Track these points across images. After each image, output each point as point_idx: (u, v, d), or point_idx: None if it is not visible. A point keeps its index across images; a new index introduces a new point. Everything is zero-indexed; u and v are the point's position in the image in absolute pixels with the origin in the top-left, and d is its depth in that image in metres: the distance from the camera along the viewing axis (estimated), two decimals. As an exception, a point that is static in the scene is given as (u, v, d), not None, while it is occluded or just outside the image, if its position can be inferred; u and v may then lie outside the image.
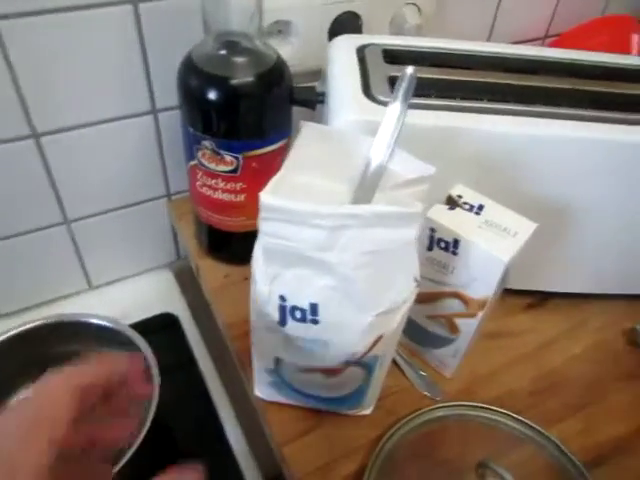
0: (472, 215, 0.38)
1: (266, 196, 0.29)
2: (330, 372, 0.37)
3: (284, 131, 0.44)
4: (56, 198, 0.51)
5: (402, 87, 0.32)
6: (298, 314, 0.33)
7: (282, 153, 0.44)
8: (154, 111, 0.51)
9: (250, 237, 0.33)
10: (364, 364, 0.37)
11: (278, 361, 0.37)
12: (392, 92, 0.41)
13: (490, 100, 0.44)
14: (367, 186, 0.34)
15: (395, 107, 0.33)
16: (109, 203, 0.54)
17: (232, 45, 0.40)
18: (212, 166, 0.43)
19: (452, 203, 0.39)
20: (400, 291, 0.33)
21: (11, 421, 0.22)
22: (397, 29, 0.57)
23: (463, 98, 0.44)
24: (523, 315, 0.52)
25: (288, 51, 0.53)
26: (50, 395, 0.23)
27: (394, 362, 0.46)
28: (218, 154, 0.42)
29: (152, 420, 0.43)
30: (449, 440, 0.41)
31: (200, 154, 0.43)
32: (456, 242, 0.37)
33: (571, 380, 0.47)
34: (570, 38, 0.70)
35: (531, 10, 0.69)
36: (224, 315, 0.48)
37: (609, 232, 0.48)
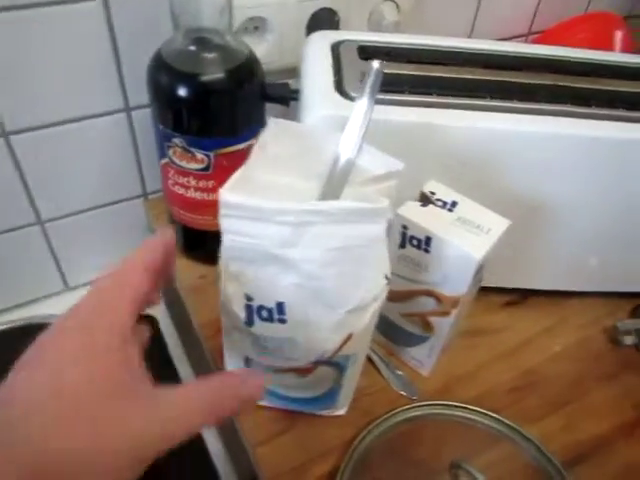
0: (445, 212, 0.38)
1: (225, 193, 0.28)
2: (300, 372, 0.36)
3: (256, 128, 0.43)
4: (28, 198, 0.50)
5: (368, 82, 0.32)
6: (265, 313, 0.33)
7: (255, 151, 0.43)
8: (127, 109, 0.50)
9: (224, 236, 0.32)
10: (335, 363, 0.36)
11: (248, 361, 0.37)
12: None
13: (467, 96, 0.43)
14: (335, 183, 0.33)
15: (362, 102, 0.32)
16: (84, 203, 0.54)
17: (202, 41, 0.40)
18: (183, 164, 0.42)
19: (425, 200, 0.39)
20: (369, 288, 0.33)
21: (92, 292, 0.25)
22: (375, 26, 0.57)
23: (440, 94, 0.43)
24: (502, 313, 0.51)
25: (264, 48, 0.52)
26: (129, 268, 0.26)
27: (370, 361, 0.45)
28: (189, 152, 0.41)
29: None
30: (425, 440, 0.41)
31: (171, 152, 0.42)
32: (428, 239, 0.37)
33: (551, 378, 0.46)
34: (553, 35, 0.69)
35: (513, 6, 0.68)
36: (199, 314, 0.47)
37: (588, 229, 0.47)
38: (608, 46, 0.67)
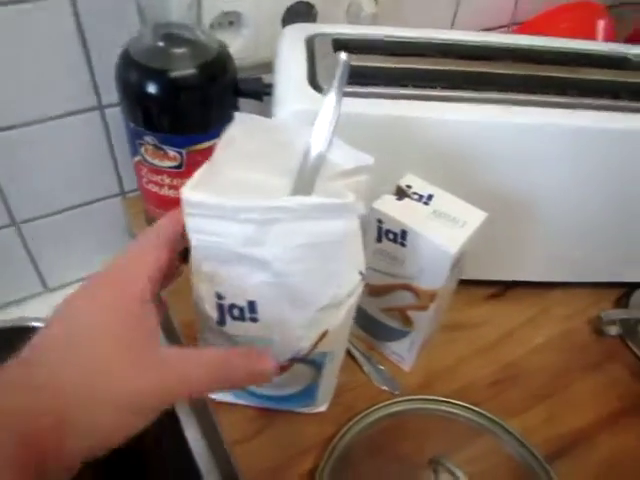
0: (420, 205, 0.37)
1: (187, 191, 0.28)
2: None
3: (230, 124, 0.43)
4: (1, 199, 0.49)
5: (336, 74, 0.31)
6: (236, 312, 0.32)
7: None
8: (100, 107, 0.49)
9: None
10: (312, 361, 0.36)
11: (223, 361, 0.36)
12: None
13: (443, 88, 0.43)
14: (306, 178, 0.33)
15: (330, 95, 0.32)
16: (60, 203, 0.53)
17: (171, 37, 0.39)
18: (156, 162, 0.42)
19: (401, 193, 0.38)
20: (342, 285, 0.32)
21: (118, 258, 0.27)
22: (353, 18, 0.56)
23: (415, 86, 0.43)
24: (485, 305, 0.51)
25: (240, 43, 0.52)
26: (153, 238, 0.29)
27: (351, 357, 0.45)
28: (161, 149, 0.41)
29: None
30: (406, 435, 0.41)
31: (143, 150, 0.42)
32: (404, 233, 0.36)
33: (534, 370, 0.46)
34: (535, 25, 0.69)
35: (495, -3, 0.68)
36: (179, 314, 0.47)
37: (570, 220, 0.47)
38: (591, 36, 0.66)
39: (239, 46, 0.51)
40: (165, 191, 0.43)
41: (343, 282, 0.32)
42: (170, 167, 0.42)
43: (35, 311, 0.56)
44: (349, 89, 0.41)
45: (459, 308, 0.49)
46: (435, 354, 0.46)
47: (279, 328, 0.33)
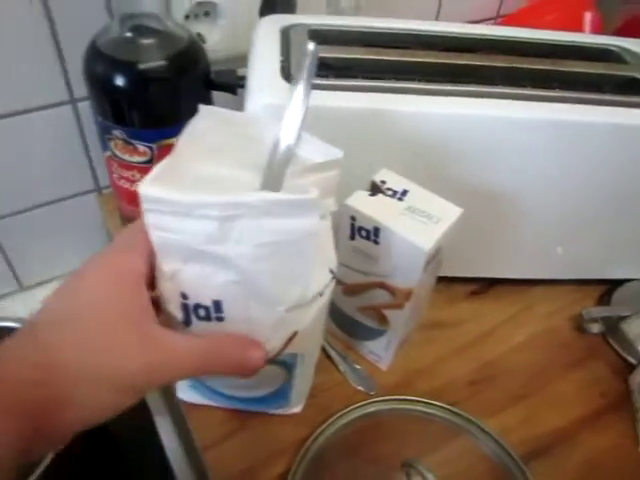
0: (394, 201, 0.36)
1: (144, 186, 0.27)
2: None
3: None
4: (-29, 195, 0.48)
5: (304, 65, 0.30)
6: (202, 312, 0.31)
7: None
8: (72, 101, 0.48)
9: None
10: (282, 362, 0.35)
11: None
12: (312, 73, 0.40)
13: (422, 80, 0.42)
14: (275, 173, 0.32)
15: (299, 87, 0.31)
16: (33, 199, 0.52)
17: (139, 28, 0.38)
18: (126, 157, 0.41)
19: (375, 189, 0.37)
20: (311, 284, 0.31)
21: (97, 272, 0.27)
22: (334, 9, 0.55)
23: (394, 79, 0.42)
24: (466, 303, 0.50)
25: (216, 35, 0.50)
26: (125, 243, 0.28)
27: (328, 356, 0.44)
28: (130, 144, 0.40)
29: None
30: (382, 436, 0.40)
31: (112, 144, 0.40)
32: (376, 230, 0.35)
33: (514, 369, 0.45)
34: (521, 16, 0.68)
35: (481, -12, 0.67)
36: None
37: (552, 216, 0.46)
38: (578, 28, 0.65)
39: (215, 38, 0.50)
40: (136, 187, 0.42)
41: (312, 281, 0.31)
42: (140, 162, 0.41)
43: (10, 310, 0.55)
44: (323, 81, 0.40)
45: (439, 306, 0.49)
46: (414, 353, 0.45)
47: (245, 328, 0.31)
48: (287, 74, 0.39)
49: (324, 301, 0.34)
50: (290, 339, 0.33)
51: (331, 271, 0.33)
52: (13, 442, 0.21)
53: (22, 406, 0.22)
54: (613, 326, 0.47)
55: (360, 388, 0.42)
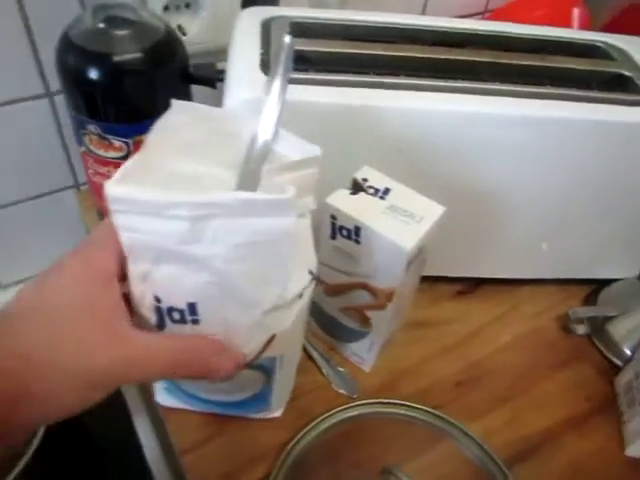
0: (376, 200, 0.35)
1: (111, 185, 0.25)
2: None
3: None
4: (-57, 192, 0.46)
5: (280, 58, 0.29)
6: (176, 315, 0.30)
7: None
8: (49, 94, 0.46)
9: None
10: (260, 366, 0.34)
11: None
12: (293, 68, 0.38)
13: (407, 75, 0.41)
14: (251, 171, 0.31)
15: (275, 82, 0.29)
16: (9, 196, 0.50)
17: (113, 18, 0.37)
18: (101, 152, 0.39)
19: (356, 187, 0.36)
20: (289, 286, 0.30)
21: (69, 269, 0.26)
22: (318, 2, 0.54)
23: (377, 73, 0.41)
24: (452, 303, 0.49)
25: (198, 27, 0.49)
26: (99, 240, 0.27)
27: (310, 358, 0.43)
28: (105, 139, 0.38)
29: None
30: (364, 441, 0.39)
31: (87, 140, 0.39)
32: (357, 230, 0.34)
33: (499, 370, 0.45)
34: (509, 11, 0.67)
35: (469, -17, 0.66)
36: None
37: (538, 214, 0.45)
38: (566, 23, 0.64)
39: (196, 30, 0.49)
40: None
41: (290, 283, 0.30)
42: (116, 158, 0.39)
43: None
44: (304, 76, 0.39)
45: (425, 306, 0.48)
46: (398, 354, 0.44)
47: (222, 332, 0.30)
48: (267, 68, 0.38)
49: (304, 303, 0.33)
50: (268, 342, 0.32)
51: (310, 272, 0.32)
52: None
53: None
54: (599, 327, 0.46)
55: (342, 391, 0.41)
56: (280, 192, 0.26)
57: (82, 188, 0.54)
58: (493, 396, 0.43)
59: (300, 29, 0.43)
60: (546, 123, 0.40)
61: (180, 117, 0.30)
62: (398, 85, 0.39)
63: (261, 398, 0.37)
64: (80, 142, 0.40)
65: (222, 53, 0.47)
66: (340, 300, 0.40)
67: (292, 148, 0.30)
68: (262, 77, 0.37)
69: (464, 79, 0.41)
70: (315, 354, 0.43)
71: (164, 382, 0.36)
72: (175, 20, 0.48)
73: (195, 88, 0.43)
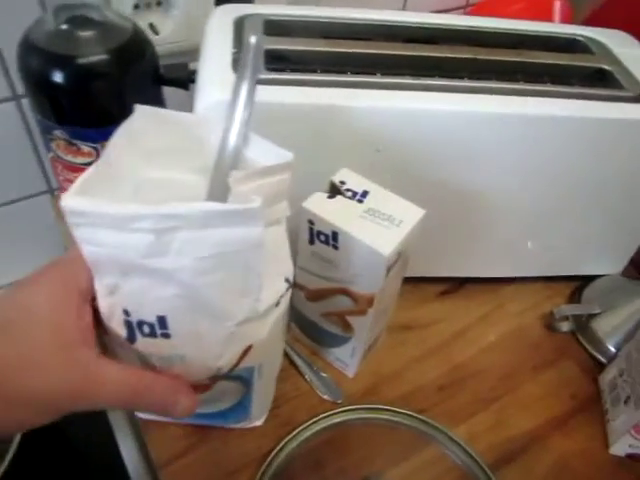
0: (354, 203, 0.34)
1: (67, 198, 0.24)
2: (196, 388, 0.32)
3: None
4: None
5: (246, 60, 0.28)
6: (146, 329, 0.29)
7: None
8: (15, 97, 0.45)
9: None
10: (238, 377, 0.33)
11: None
12: (266, 68, 0.37)
13: (385, 74, 0.40)
14: (221, 178, 0.29)
15: (243, 84, 0.28)
16: (-21, 203, 0.49)
17: (76, 19, 0.35)
18: (69, 158, 0.38)
19: (334, 190, 0.35)
20: (263, 296, 0.29)
21: (44, 286, 0.26)
22: (295, -2, 0.52)
23: (354, 72, 0.40)
24: (436, 303, 0.49)
25: (170, 25, 0.48)
26: (77, 258, 0.26)
27: (292, 364, 0.42)
28: (73, 145, 0.37)
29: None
30: (348, 448, 0.38)
31: (54, 145, 0.38)
32: (335, 235, 0.33)
33: (484, 371, 0.44)
34: (491, 5, 0.66)
35: (450, -23, 0.65)
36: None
37: (519, 212, 0.45)
38: (547, 16, 0.64)
39: (169, 29, 0.47)
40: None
41: (264, 293, 0.29)
42: (86, 164, 0.38)
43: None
44: (279, 76, 0.38)
45: (409, 307, 0.47)
46: (382, 357, 0.44)
47: (195, 345, 0.29)
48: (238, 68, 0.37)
49: (281, 311, 0.32)
50: (245, 353, 0.31)
51: (287, 280, 0.31)
52: None
53: None
54: (583, 324, 0.46)
55: (326, 397, 0.40)
56: (247, 201, 0.25)
57: (57, 194, 0.52)
58: (477, 398, 0.42)
59: (274, 27, 0.41)
60: (527, 121, 0.39)
61: (144, 123, 0.29)
62: (375, 84, 0.38)
63: (241, 408, 0.36)
64: (48, 148, 0.39)
65: (196, 53, 0.46)
66: (321, 305, 0.39)
67: (263, 153, 0.29)
68: (234, 77, 0.36)
69: (443, 77, 0.40)
70: (298, 360, 0.42)
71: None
72: (146, 19, 0.46)
73: (170, 90, 0.42)
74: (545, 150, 0.41)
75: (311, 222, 0.34)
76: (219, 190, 0.29)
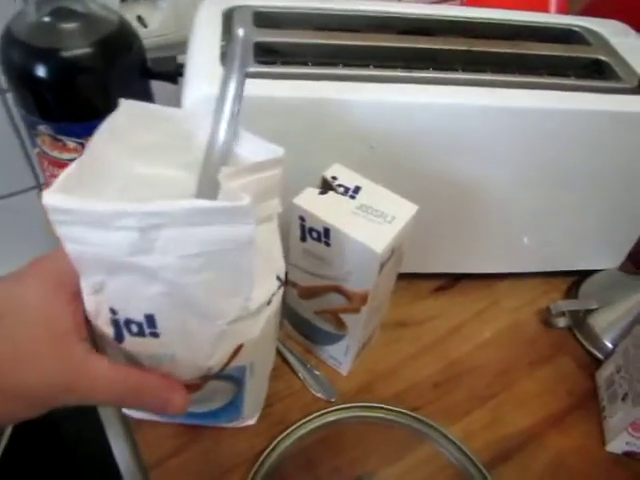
0: (346, 199, 0.33)
1: (49, 196, 0.23)
2: (188, 388, 0.32)
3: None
4: None
5: (234, 54, 0.27)
6: (134, 328, 0.28)
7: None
8: (0, 91, 0.43)
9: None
10: (228, 376, 0.32)
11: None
12: (255, 61, 0.36)
13: (377, 66, 0.39)
14: (210, 175, 0.29)
15: (231, 78, 0.27)
16: (-36, 200, 0.48)
17: (59, 11, 0.34)
18: (55, 154, 0.37)
19: (325, 186, 0.34)
20: (254, 295, 0.29)
21: (34, 280, 0.26)
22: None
23: (346, 65, 0.39)
24: (431, 300, 0.48)
25: (158, 18, 0.47)
26: (63, 256, 0.25)
27: (286, 362, 0.42)
28: (59, 140, 0.36)
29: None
30: (342, 446, 0.38)
31: (40, 140, 0.37)
32: (327, 231, 0.33)
33: (480, 368, 0.44)
34: (487, -4, 0.65)
35: (446, -34, 0.64)
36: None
37: (515, 207, 0.44)
38: (543, 7, 0.63)
39: (157, 21, 0.46)
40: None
41: (256, 291, 0.29)
42: (72, 160, 0.37)
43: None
44: (269, 69, 0.37)
45: (404, 304, 0.47)
46: (377, 355, 0.43)
47: (183, 344, 0.29)
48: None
49: (273, 310, 0.31)
50: (236, 352, 0.30)
51: (278, 278, 0.31)
52: None
53: None
54: (580, 320, 0.46)
55: (320, 395, 0.40)
56: (236, 199, 0.25)
57: (45, 189, 0.51)
58: (473, 395, 0.42)
59: (264, 19, 0.40)
60: (522, 114, 0.38)
61: (129, 118, 0.28)
62: (368, 77, 0.37)
63: (233, 408, 0.36)
64: (33, 143, 0.38)
65: (185, 46, 0.45)
66: (314, 303, 0.38)
67: (253, 149, 0.28)
68: (223, 71, 0.35)
69: (437, 69, 0.39)
70: (291, 357, 0.42)
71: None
72: (134, 11, 0.45)
73: (158, 84, 0.41)
74: (541, 143, 0.40)
75: (302, 219, 0.33)
76: (208, 186, 0.29)
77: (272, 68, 0.36)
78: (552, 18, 0.48)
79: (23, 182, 0.50)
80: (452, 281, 0.49)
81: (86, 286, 0.27)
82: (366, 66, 0.39)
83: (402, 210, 0.33)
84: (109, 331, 0.28)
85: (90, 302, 0.28)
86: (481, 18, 0.45)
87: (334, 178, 0.35)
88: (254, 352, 0.32)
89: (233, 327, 0.29)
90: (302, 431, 0.37)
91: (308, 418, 0.38)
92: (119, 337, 0.29)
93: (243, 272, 0.27)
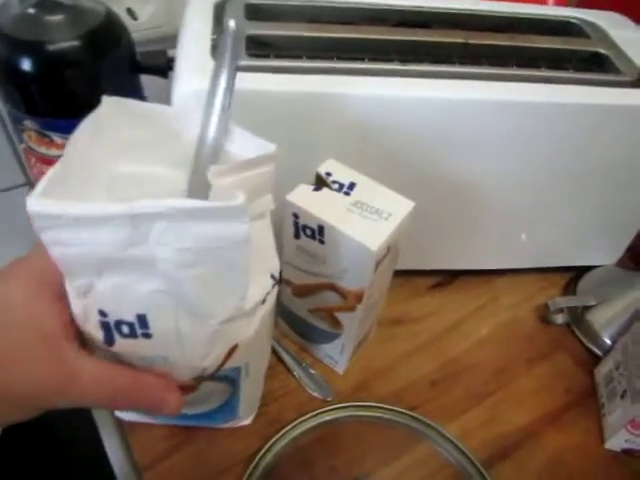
0: (340, 196, 0.33)
1: (33, 202, 0.22)
2: (182, 389, 0.31)
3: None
4: None
5: (225, 46, 0.26)
6: (126, 329, 0.27)
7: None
8: (-14, 87, 0.43)
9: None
10: (223, 377, 0.31)
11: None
12: (247, 54, 0.36)
13: (372, 60, 0.38)
14: (201, 172, 0.28)
15: (221, 72, 0.27)
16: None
17: (44, 2, 0.33)
18: (42, 150, 0.36)
19: (319, 182, 0.34)
20: (249, 294, 0.28)
21: (19, 280, 0.25)
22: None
23: (341, 58, 0.38)
24: (428, 297, 0.47)
25: (149, 10, 0.46)
26: (44, 255, 0.24)
27: (281, 361, 0.41)
28: (45, 136, 0.35)
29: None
30: (339, 446, 0.37)
31: (26, 136, 0.36)
32: (321, 229, 0.32)
33: (477, 365, 0.43)
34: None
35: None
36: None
37: (513, 203, 0.43)
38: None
39: (148, 14, 0.45)
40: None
41: (250, 290, 0.28)
42: (60, 156, 0.36)
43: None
44: (262, 62, 0.36)
45: (401, 301, 0.46)
46: (374, 353, 0.42)
47: (176, 344, 0.28)
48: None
49: (267, 309, 0.31)
50: (230, 353, 0.30)
51: (273, 276, 0.30)
52: None
53: None
54: (578, 316, 0.45)
55: (316, 394, 0.39)
56: (229, 197, 0.24)
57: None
58: (471, 393, 0.41)
59: (256, 11, 0.39)
60: (520, 108, 0.37)
61: (112, 114, 0.27)
62: (362, 70, 0.37)
63: (228, 408, 0.35)
64: (20, 139, 0.37)
65: (175, 39, 0.44)
66: (309, 301, 0.37)
67: (244, 146, 0.28)
68: (213, 64, 0.34)
69: (433, 62, 0.38)
70: (286, 356, 0.41)
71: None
72: (124, 3, 0.44)
73: (148, 78, 0.40)
74: (539, 137, 0.39)
75: (296, 216, 0.33)
76: (199, 184, 0.28)
77: (264, 61, 0.36)
78: (550, 10, 0.47)
79: (12, 180, 0.49)
80: (449, 278, 0.49)
81: (72, 289, 0.26)
82: (361, 59, 0.38)
83: (398, 206, 0.33)
84: (98, 335, 0.28)
85: (77, 306, 0.27)
86: (478, 10, 0.44)
87: (328, 174, 0.34)
88: (249, 352, 0.31)
89: (227, 327, 0.28)
90: (298, 431, 0.37)
91: (304, 418, 0.37)
92: (109, 340, 0.28)
93: (238, 271, 0.26)
